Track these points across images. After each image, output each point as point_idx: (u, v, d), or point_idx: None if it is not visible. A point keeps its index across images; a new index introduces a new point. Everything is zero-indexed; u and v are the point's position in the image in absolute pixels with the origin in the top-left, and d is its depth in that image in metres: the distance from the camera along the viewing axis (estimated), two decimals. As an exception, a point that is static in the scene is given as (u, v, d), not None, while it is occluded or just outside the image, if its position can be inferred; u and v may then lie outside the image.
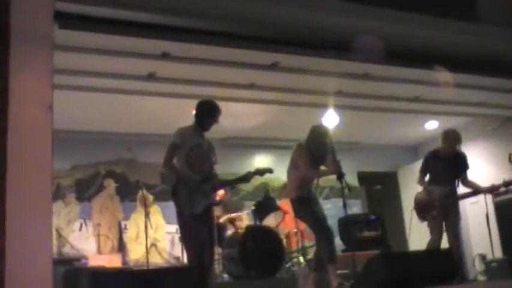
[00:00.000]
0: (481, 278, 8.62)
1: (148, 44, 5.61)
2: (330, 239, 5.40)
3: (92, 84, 6.61)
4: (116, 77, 6.47)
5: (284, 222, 7.45)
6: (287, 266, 6.90)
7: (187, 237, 4.94)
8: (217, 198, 6.84)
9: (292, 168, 5.70)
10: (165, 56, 5.98)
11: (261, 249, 6.21)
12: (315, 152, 5.60)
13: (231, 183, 5.58)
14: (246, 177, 5.33)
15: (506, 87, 7.92)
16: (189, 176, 4.93)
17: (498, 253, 8.77)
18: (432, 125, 10.03)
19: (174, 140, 4.98)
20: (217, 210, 6.76)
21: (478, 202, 9.48)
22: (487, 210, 8.60)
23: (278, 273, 6.36)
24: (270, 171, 5.38)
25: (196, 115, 5.17)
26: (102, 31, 5.01)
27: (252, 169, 5.15)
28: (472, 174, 10.15)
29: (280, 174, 9.76)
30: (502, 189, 6.75)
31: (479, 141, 10.09)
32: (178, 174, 4.91)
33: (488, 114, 9.44)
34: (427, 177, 6.53)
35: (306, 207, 5.55)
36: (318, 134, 5.68)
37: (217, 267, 6.47)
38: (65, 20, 4.48)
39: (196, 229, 4.86)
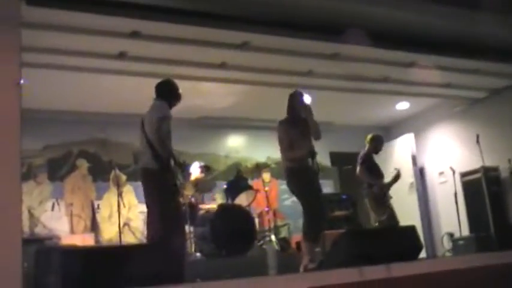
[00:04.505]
0: (449, 255, 8.83)
1: (118, 22, 5.57)
2: (317, 217, 5.38)
3: (62, 63, 6.53)
4: (87, 55, 6.41)
5: (256, 201, 7.51)
6: (259, 244, 6.97)
7: (175, 213, 4.89)
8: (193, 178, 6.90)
9: (279, 145, 5.63)
10: (135, 35, 5.94)
11: (233, 227, 6.26)
12: (295, 118, 5.58)
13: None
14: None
15: (474, 69, 8.05)
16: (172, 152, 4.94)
17: (466, 231, 8.98)
18: (403, 105, 10.17)
19: (167, 113, 4.93)
20: (189, 190, 6.77)
21: (447, 182, 9.71)
22: (455, 190, 8.81)
23: (250, 251, 6.42)
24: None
25: (165, 93, 5.17)
26: (70, 8, 4.96)
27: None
28: (441, 155, 10.39)
29: (253, 154, 9.93)
30: None
31: (448, 123, 10.27)
32: (169, 149, 4.86)
33: (457, 95, 9.58)
34: None
35: (296, 179, 5.44)
36: (295, 97, 5.68)
37: (190, 245, 6.51)
38: (33, -4, 4.45)
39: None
